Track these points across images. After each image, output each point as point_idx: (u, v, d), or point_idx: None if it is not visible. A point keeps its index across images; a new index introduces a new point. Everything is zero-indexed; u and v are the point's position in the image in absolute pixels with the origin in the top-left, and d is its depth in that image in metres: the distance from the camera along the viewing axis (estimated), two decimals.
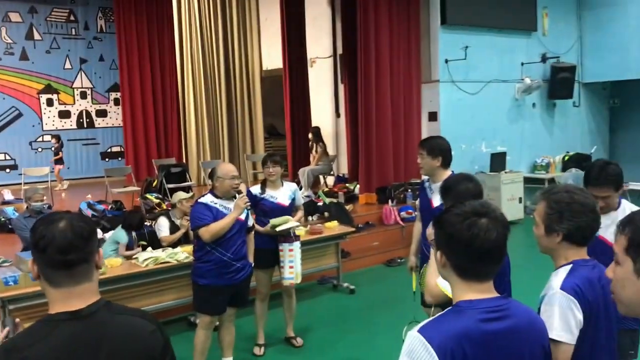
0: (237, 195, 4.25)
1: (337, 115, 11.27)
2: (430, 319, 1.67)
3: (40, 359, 1.49)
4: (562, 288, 1.99)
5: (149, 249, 5.57)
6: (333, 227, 6.75)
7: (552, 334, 1.90)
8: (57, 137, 12.17)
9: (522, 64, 10.58)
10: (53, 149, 12.10)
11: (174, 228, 5.93)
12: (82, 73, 13.42)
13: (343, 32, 10.45)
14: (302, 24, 11.06)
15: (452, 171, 3.96)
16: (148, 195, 8.64)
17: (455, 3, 9.48)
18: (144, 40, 12.16)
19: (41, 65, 12.90)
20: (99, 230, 5.27)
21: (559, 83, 10.90)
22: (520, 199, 9.73)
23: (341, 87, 10.86)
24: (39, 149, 12.83)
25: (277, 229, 4.73)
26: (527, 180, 10.10)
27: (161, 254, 5.25)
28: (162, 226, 5.90)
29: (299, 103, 11.14)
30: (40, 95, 12.97)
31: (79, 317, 1.55)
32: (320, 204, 8.31)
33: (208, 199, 4.27)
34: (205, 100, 12.01)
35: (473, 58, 9.76)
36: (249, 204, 4.24)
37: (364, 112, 9.10)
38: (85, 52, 13.40)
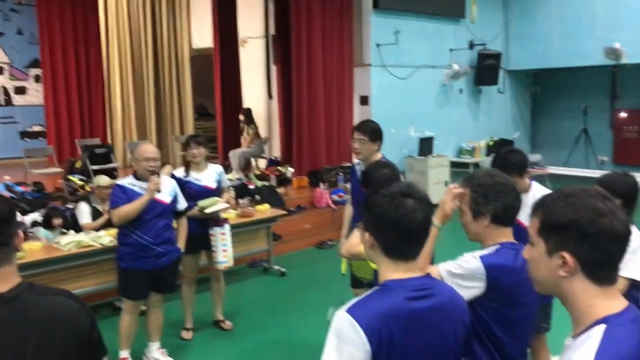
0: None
1: (270, 96, 11.16)
2: (358, 298, 1.70)
3: None
4: (481, 257, 2.09)
5: (72, 232, 5.35)
6: (264, 210, 6.72)
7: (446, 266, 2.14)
8: None
9: (451, 50, 10.81)
10: None
11: (95, 213, 5.70)
12: None
13: (276, 12, 10.32)
14: (233, 2, 10.84)
15: (382, 155, 4.02)
16: (71, 177, 8.28)
17: None
18: (66, 13, 11.52)
19: None
20: (17, 213, 5.00)
21: (485, 70, 11.24)
22: (446, 182, 9.98)
23: (274, 69, 10.76)
24: None
25: (206, 210, 4.66)
26: (453, 164, 10.38)
27: (84, 238, 5.07)
28: (83, 212, 5.63)
29: (230, 83, 10.95)
30: None
31: (3, 300, 1.53)
32: (251, 187, 8.24)
33: (127, 180, 4.18)
34: (132, 78, 11.60)
35: (404, 43, 9.88)
36: (158, 186, 4.08)
37: (297, 95, 9.07)
38: (1, 24, 12.61)
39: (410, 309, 1.66)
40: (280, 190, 8.40)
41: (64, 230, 5.57)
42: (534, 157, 10.37)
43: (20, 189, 7.76)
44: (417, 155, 9.93)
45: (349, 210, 4.32)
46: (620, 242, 1.30)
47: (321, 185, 8.71)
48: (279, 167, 9.67)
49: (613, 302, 1.31)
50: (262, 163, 10.51)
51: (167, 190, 4.27)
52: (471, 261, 2.09)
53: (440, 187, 9.70)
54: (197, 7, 12.10)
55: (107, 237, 5.07)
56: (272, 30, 10.75)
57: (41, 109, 12.40)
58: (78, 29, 11.61)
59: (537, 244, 1.36)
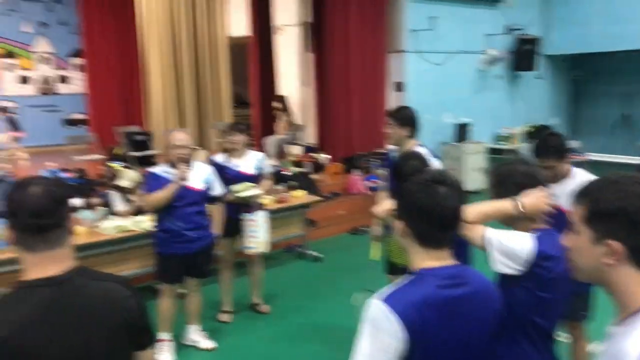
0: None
1: (305, 84, 11.20)
2: (391, 286, 1.72)
3: (17, 324, 1.49)
4: (533, 242, 2.06)
5: (113, 216, 5.52)
6: (299, 196, 6.80)
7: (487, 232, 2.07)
8: (3, 109, 11.81)
9: (487, 35, 10.65)
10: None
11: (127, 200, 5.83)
12: (42, 37, 12.99)
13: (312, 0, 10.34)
14: None
15: (418, 142, 4.03)
16: (112, 164, 8.52)
17: None
18: (106, 3, 11.78)
19: None
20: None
21: (523, 55, 11.05)
22: (483, 169, 9.91)
23: (309, 56, 10.79)
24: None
25: (238, 195, 4.73)
26: (489, 151, 10.27)
27: (126, 222, 5.22)
28: (115, 199, 5.80)
29: (265, 71, 11.02)
30: None
31: (55, 283, 1.56)
32: (287, 173, 8.33)
33: (160, 167, 4.28)
34: (170, 67, 11.78)
35: (439, 28, 9.79)
36: (185, 174, 4.14)
37: (331, 81, 9.09)
38: (45, 15, 12.94)
39: (443, 297, 1.68)
40: (315, 176, 8.47)
41: (103, 209, 5.72)
42: (573, 144, 10.18)
43: (64, 175, 8.02)
44: (453, 142, 9.86)
45: (383, 196, 4.35)
46: None
47: (355, 171, 8.74)
48: (313, 154, 9.74)
49: None
50: (297, 150, 10.59)
51: (200, 176, 4.32)
52: (522, 243, 2.04)
53: (476, 174, 9.63)
54: None
55: (148, 222, 5.21)
56: (308, 18, 10.77)
57: (83, 97, 12.74)
58: (118, 19, 11.84)
59: (582, 232, 1.35)
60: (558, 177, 3.27)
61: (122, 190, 5.80)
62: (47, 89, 13.20)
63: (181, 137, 4.26)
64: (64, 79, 13.41)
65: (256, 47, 10.89)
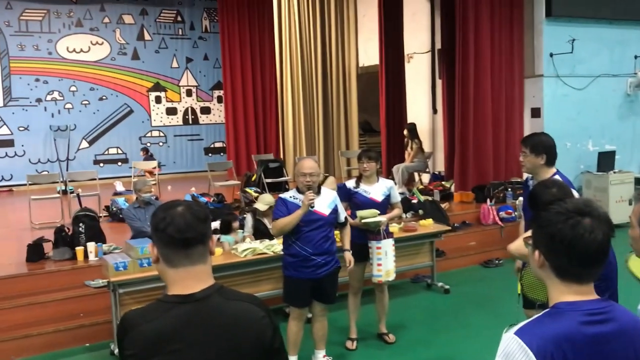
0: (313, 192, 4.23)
1: (434, 111, 11.09)
2: (528, 320, 1.62)
3: (154, 336, 1.56)
4: None
5: (248, 239, 5.75)
6: (428, 225, 6.67)
7: None
8: (145, 150, 12.87)
9: (636, 57, 9.91)
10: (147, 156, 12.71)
11: (258, 225, 6.01)
12: (188, 72, 14.10)
13: (442, 26, 10.26)
14: (399, 20, 10.99)
15: (557, 170, 3.81)
16: (247, 189, 8.97)
17: None
18: (245, 39, 12.56)
19: (151, 64, 13.68)
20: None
21: None
22: (630, 201, 9.13)
23: (439, 83, 10.68)
24: (148, 144, 13.60)
25: (363, 221, 4.74)
26: (638, 181, 9.46)
27: (259, 245, 5.42)
28: (247, 224, 6.02)
29: (394, 99, 11.07)
30: (149, 92, 13.77)
31: (193, 300, 1.61)
32: (414, 201, 8.23)
33: (289, 193, 4.38)
34: (302, 97, 12.24)
35: (580, 51, 9.27)
36: (312, 201, 4.15)
37: (462, 108, 8.90)
38: (191, 51, 14.07)
39: (587, 334, 1.55)
40: (443, 205, 8.28)
41: (242, 232, 5.99)
42: None
43: (203, 199, 8.55)
44: (596, 171, 9.21)
45: (522, 226, 4.15)
46: None
47: (488, 201, 8.43)
48: (442, 182, 9.55)
49: None
50: (426, 178, 10.45)
51: (326, 202, 4.38)
52: None
53: (622, 206, 8.89)
54: (364, 27, 12.45)
55: (280, 246, 5.37)
56: (437, 45, 10.70)
57: (222, 126, 13.59)
58: (255, 53, 12.59)
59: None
60: None
61: (257, 214, 6.05)
62: (191, 119, 14.24)
63: (308, 165, 4.36)
64: (206, 110, 14.40)
65: (386, 75, 10.97)
